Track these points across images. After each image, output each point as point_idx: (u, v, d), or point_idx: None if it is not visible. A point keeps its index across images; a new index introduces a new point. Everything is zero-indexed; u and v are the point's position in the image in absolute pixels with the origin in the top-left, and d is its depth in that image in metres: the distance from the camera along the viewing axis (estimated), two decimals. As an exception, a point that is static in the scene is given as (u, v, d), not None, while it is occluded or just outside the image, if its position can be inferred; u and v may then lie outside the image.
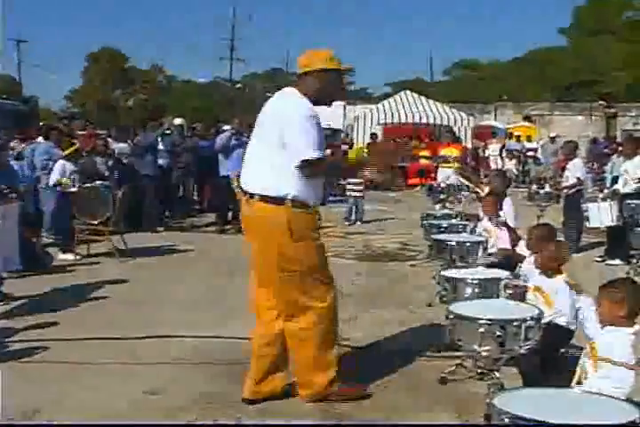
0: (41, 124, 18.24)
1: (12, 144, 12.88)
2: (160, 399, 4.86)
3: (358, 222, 14.34)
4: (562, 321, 4.83)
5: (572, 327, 4.86)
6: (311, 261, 4.53)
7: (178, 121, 15.82)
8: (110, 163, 12.56)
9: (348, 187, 14.75)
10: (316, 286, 4.56)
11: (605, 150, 23.36)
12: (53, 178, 10.34)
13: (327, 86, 4.63)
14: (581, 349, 4.05)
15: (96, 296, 7.78)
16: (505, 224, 7.42)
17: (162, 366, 5.47)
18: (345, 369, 5.05)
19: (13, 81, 56.80)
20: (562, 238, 9.86)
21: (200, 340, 6.12)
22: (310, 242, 4.53)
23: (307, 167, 4.39)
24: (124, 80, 65.01)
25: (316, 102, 4.58)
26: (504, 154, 25.27)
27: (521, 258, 6.02)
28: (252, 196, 4.51)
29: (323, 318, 4.59)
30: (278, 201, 4.41)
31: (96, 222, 9.97)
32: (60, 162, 10.46)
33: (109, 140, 14.24)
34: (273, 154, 4.45)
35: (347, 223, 14.21)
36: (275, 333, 4.68)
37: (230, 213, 12.89)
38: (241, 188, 4.62)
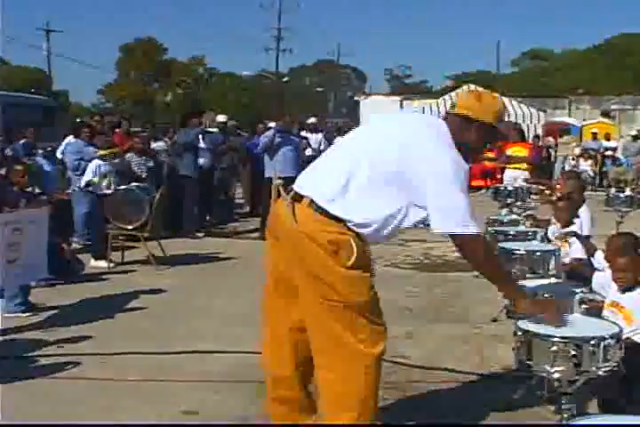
0: (77, 120, 18.52)
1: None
2: (194, 420, 4.90)
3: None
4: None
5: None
6: (363, 295, 3.96)
7: (221, 118, 15.95)
8: (151, 163, 12.69)
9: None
10: (365, 326, 3.96)
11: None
12: (85, 179, 10.46)
13: (482, 143, 4.24)
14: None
15: (131, 307, 7.87)
16: (576, 235, 7.24)
17: (198, 385, 5.51)
18: (401, 389, 5.04)
19: (42, 73, 57.80)
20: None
21: (241, 356, 6.14)
22: (362, 273, 3.94)
23: (466, 241, 3.91)
24: (162, 73, 65.78)
25: (464, 153, 4.06)
26: (578, 153, 24.98)
27: (593, 270, 5.94)
28: (299, 198, 3.98)
29: (369, 368, 3.96)
30: (336, 218, 3.88)
31: (131, 227, 10.08)
32: (95, 162, 10.56)
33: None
34: (375, 181, 3.91)
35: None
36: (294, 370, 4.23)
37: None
38: (290, 189, 4.10)
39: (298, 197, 3.98)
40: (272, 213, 4.23)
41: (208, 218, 14.31)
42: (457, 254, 11.15)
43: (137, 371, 5.76)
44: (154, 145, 13.78)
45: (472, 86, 27.77)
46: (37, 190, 8.87)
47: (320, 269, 3.87)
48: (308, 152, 16.20)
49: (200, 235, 12.85)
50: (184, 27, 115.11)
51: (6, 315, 7.33)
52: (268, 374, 4.30)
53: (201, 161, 13.62)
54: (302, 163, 13.73)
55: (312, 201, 3.92)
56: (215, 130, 15.00)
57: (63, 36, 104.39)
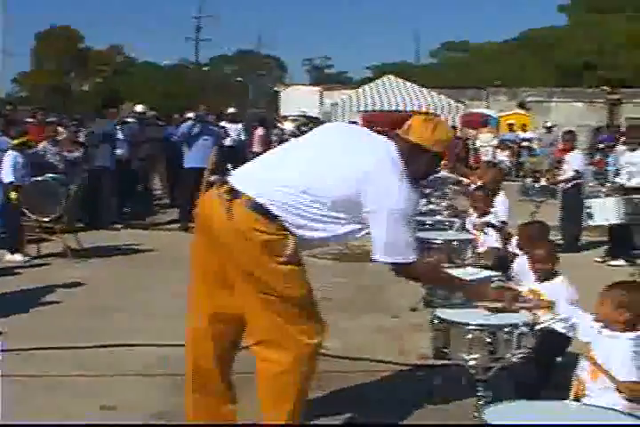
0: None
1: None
2: (112, 416, 4.85)
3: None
4: (559, 327, 4.87)
5: (571, 334, 4.89)
6: (299, 289, 4.06)
7: (139, 108, 15.76)
8: (78, 153, 12.47)
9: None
10: (304, 318, 4.09)
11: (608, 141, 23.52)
12: (9, 174, 10.09)
13: (430, 171, 4.41)
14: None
15: (47, 301, 7.74)
16: (491, 226, 7.38)
17: (118, 380, 5.46)
18: (322, 380, 5.07)
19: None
20: (558, 237, 9.97)
21: (163, 349, 6.08)
22: (296, 266, 4.03)
23: (401, 268, 4.12)
24: (79, 62, 64.55)
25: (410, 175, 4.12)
26: (496, 144, 25.36)
27: (513, 256, 6.06)
28: (237, 195, 3.96)
29: (311, 358, 4.11)
30: (273, 217, 3.92)
31: (47, 219, 9.90)
32: (11, 153, 10.27)
33: (60, 128, 14.15)
34: (323, 201, 3.95)
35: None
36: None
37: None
38: (224, 181, 4.09)
39: (235, 194, 3.97)
40: (202, 210, 4.20)
41: (126, 210, 14.13)
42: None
43: (54, 367, 5.67)
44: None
45: (391, 77, 27.93)
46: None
47: (256, 268, 3.95)
48: (228, 142, 16.15)
49: (118, 227, 12.69)
50: (102, 14, 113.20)
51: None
52: (190, 365, 4.29)
53: (118, 152, 13.44)
54: (221, 153, 13.72)
55: (252, 199, 3.93)
56: (132, 120, 14.82)
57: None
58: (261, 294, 3.98)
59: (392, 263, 4.07)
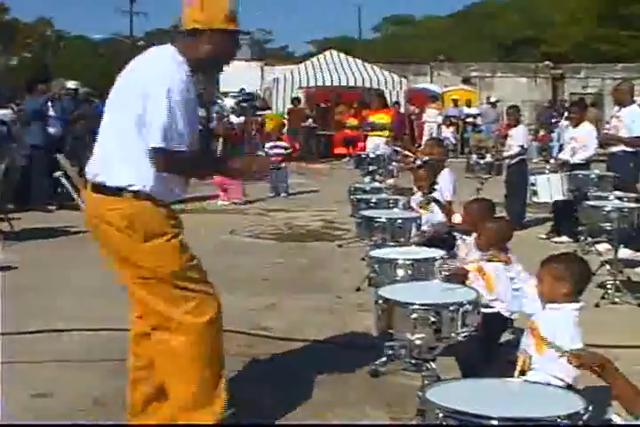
0: None
1: None
2: (47, 403, 4.80)
3: (283, 195, 14.46)
4: (500, 307, 4.94)
5: (509, 315, 4.98)
6: (175, 265, 3.94)
7: (71, 84, 15.52)
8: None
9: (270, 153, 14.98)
10: (186, 296, 3.96)
11: (552, 117, 23.82)
12: None
13: (222, 52, 4.09)
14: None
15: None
16: (435, 201, 7.43)
17: (50, 365, 5.39)
18: (264, 362, 5.08)
19: None
20: (503, 214, 10.09)
21: (94, 333, 6.06)
22: (165, 241, 3.92)
23: (157, 159, 3.83)
24: (5, 35, 63.24)
25: (200, 68, 4.07)
26: (440, 120, 25.51)
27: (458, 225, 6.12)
28: (86, 184, 4.03)
29: (203, 337, 4.00)
30: (117, 191, 3.86)
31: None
32: None
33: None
34: (124, 132, 3.89)
35: (271, 194, 14.39)
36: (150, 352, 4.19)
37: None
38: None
39: (86, 184, 4.04)
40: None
41: (60, 190, 13.92)
42: (320, 224, 11.33)
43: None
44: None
45: (334, 52, 27.89)
46: None
47: (124, 250, 3.94)
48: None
49: (52, 208, 12.53)
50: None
51: None
52: (130, 353, 4.30)
53: (51, 130, 13.22)
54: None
55: (91, 183, 3.97)
56: (65, 97, 14.59)
57: None
58: (137, 279, 3.97)
59: (158, 150, 3.81)
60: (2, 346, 5.67)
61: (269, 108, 24.12)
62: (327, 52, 28.20)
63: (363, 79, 25.77)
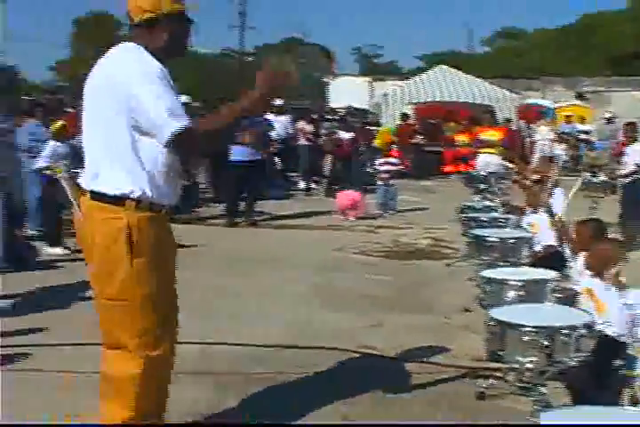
0: (28, 98, 18.26)
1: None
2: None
3: (390, 212, 14.44)
4: (611, 331, 4.83)
5: (623, 339, 4.86)
6: (149, 289, 3.84)
7: (183, 98, 15.81)
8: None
9: (380, 169, 14.98)
10: (146, 329, 3.86)
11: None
12: (42, 161, 10.27)
13: (179, 34, 3.99)
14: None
15: (87, 296, 7.77)
16: (549, 213, 7.32)
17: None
18: (367, 382, 5.07)
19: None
20: (617, 235, 9.85)
21: (199, 346, 6.13)
22: (153, 261, 3.84)
23: (180, 142, 3.70)
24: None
25: (163, 58, 3.88)
26: (552, 137, 25.08)
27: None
28: (84, 193, 3.91)
29: (151, 371, 3.90)
30: (118, 200, 3.77)
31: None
32: (52, 143, 10.38)
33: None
34: (111, 134, 3.79)
35: (379, 211, 14.37)
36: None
37: (243, 205, 13.02)
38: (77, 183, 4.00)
39: (83, 193, 3.93)
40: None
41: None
42: (429, 242, 11.26)
43: (92, 363, 5.70)
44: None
45: (444, 67, 27.78)
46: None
47: (105, 265, 3.82)
48: (273, 136, 16.06)
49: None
50: None
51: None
52: None
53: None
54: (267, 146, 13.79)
55: (89, 191, 3.86)
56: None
57: (13, 11, 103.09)
58: (107, 300, 3.89)
59: (178, 134, 3.66)
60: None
61: (379, 124, 24.13)
62: (437, 68, 28.08)
63: (473, 95, 25.55)
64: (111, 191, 3.75)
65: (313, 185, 18.08)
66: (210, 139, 3.91)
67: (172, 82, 3.81)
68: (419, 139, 23.37)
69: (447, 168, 22.94)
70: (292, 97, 47.68)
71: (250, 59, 67.18)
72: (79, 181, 3.98)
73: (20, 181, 10.28)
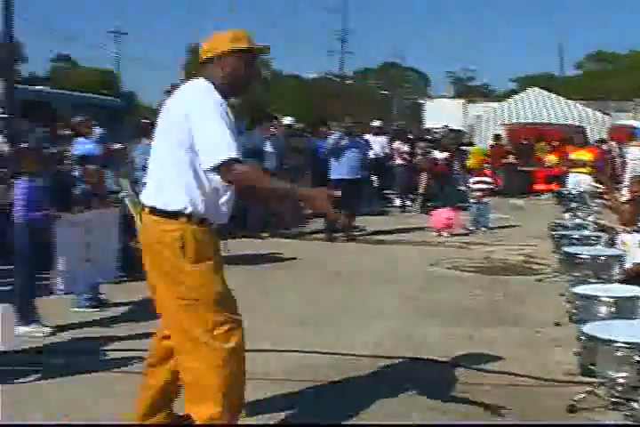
0: (146, 121, 18.67)
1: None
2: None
3: (483, 229, 14.31)
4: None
5: None
6: (212, 288, 4.09)
7: (287, 120, 16.00)
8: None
9: (474, 188, 14.88)
10: (216, 321, 4.05)
11: None
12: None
13: (235, 71, 4.18)
14: None
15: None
16: None
17: (260, 383, 5.48)
18: (460, 393, 5.01)
19: (111, 75, 58.64)
20: None
21: (292, 355, 6.15)
22: (211, 265, 4.11)
23: (226, 171, 3.87)
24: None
25: (225, 93, 4.13)
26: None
27: None
28: (144, 208, 4.20)
29: (226, 363, 4.03)
30: (172, 215, 4.04)
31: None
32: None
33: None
34: (174, 156, 4.04)
35: (472, 228, 14.26)
36: (165, 368, 4.37)
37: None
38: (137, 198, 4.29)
39: (143, 207, 4.21)
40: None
41: (273, 219, 14.33)
42: (520, 258, 11.13)
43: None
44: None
45: (536, 89, 27.50)
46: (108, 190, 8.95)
47: (172, 269, 4.04)
48: (371, 155, 16.11)
49: (265, 235, 12.90)
50: (250, 28, 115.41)
51: (75, 310, 7.51)
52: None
53: (267, 164, 13.61)
54: (366, 165, 13.85)
55: (148, 206, 4.14)
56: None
57: (131, 38, 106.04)
58: (178, 299, 4.06)
59: (222, 164, 3.85)
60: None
61: (472, 144, 23.98)
62: (529, 90, 27.82)
63: (564, 116, 25.22)
64: (167, 207, 4.04)
65: (408, 202, 18.06)
66: (250, 183, 4.06)
67: (230, 115, 4.03)
68: (511, 159, 23.14)
69: (538, 187, 22.65)
70: (390, 119, 47.83)
71: (349, 82, 67.56)
72: (140, 196, 4.30)
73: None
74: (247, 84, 4.35)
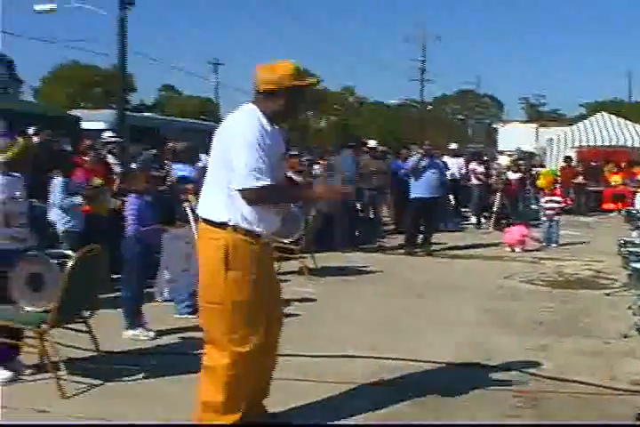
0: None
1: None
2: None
3: (553, 245, 14.09)
4: None
5: None
6: (241, 297, 4.16)
7: (372, 143, 16.11)
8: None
9: (545, 206, 14.68)
10: (238, 326, 4.19)
11: None
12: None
13: (289, 105, 4.27)
14: None
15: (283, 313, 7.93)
16: None
17: (340, 387, 5.44)
18: (533, 401, 4.92)
19: (210, 103, 59.71)
20: None
21: (375, 361, 6.09)
22: (246, 275, 4.17)
23: (246, 196, 4.12)
24: (316, 101, 66.69)
25: (274, 120, 4.27)
26: None
27: None
28: (197, 218, 4.46)
29: (235, 366, 4.19)
30: (220, 225, 4.19)
31: (288, 241, 10.24)
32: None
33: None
34: (219, 174, 4.21)
35: (543, 244, 14.05)
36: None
37: (421, 236, 13.02)
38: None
39: (197, 217, 4.46)
40: None
41: (357, 234, 14.35)
42: (589, 273, 10.91)
43: (277, 372, 5.78)
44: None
45: (605, 114, 27.04)
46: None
47: (210, 276, 4.22)
48: (449, 175, 16.05)
49: (349, 250, 12.91)
50: (335, 59, 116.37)
51: (176, 316, 7.62)
52: None
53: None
54: (444, 185, 13.79)
55: (200, 216, 4.36)
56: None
57: (230, 68, 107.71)
58: (207, 303, 4.26)
59: (249, 189, 4.08)
60: (298, 366, 5.87)
61: (543, 166, 23.64)
62: (598, 115, 27.42)
63: (632, 139, 24.77)
64: (215, 218, 4.21)
65: (483, 220, 17.91)
66: (266, 203, 4.24)
67: (276, 142, 4.23)
68: (580, 179, 22.79)
69: (606, 206, 22.25)
70: (465, 142, 47.48)
71: (429, 107, 67.33)
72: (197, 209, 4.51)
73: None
74: (296, 117, 4.63)
